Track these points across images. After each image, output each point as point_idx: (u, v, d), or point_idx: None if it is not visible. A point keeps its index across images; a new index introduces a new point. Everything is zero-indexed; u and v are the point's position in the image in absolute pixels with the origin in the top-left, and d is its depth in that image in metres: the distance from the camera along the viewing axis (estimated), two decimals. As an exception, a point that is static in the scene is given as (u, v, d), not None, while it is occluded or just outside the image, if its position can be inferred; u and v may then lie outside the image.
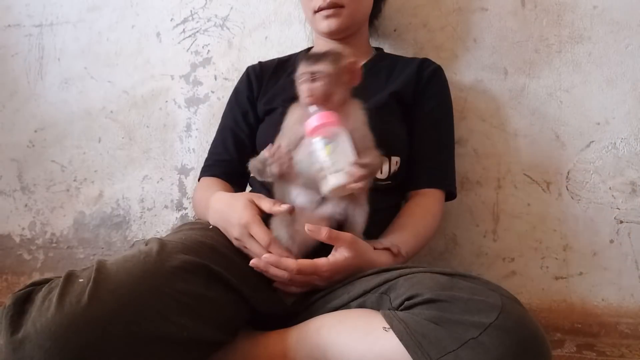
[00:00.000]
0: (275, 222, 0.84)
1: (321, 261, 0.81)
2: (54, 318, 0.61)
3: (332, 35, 1.11)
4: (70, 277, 0.67)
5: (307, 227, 0.80)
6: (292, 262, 0.80)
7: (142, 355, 0.66)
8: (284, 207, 0.83)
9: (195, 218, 1.29)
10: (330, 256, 0.82)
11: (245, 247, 0.86)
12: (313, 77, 0.83)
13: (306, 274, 0.81)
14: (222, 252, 0.83)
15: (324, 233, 0.80)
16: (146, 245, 0.78)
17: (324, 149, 0.80)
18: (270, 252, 0.82)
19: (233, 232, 0.86)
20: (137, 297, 0.67)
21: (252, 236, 0.84)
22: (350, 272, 0.83)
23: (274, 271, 0.81)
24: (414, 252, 0.98)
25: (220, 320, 0.77)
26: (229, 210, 0.88)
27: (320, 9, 1.06)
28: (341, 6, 1.05)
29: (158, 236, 0.90)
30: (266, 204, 0.85)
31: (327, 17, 1.06)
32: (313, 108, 0.83)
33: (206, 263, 0.77)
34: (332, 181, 0.79)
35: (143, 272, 0.70)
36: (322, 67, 0.83)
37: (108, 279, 0.67)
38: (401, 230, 0.97)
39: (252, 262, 0.81)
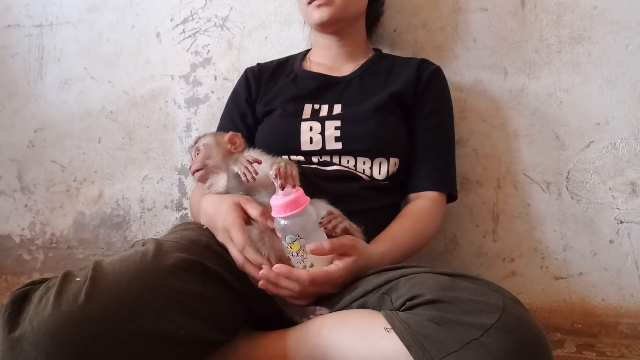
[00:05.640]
0: (253, 230, 0.81)
1: (332, 268, 0.79)
2: (50, 316, 0.61)
3: (324, 26, 1.10)
4: (67, 277, 0.67)
5: (309, 247, 0.77)
6: (304, 273, 0.76)
7: (140, 353, 0.66)
8: (270, 223, 0.79)
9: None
10: (338, 262, 0.80)
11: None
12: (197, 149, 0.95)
13: (318, 285, 0.78)
14: (216, 251, 0.83)
15: (327, 247, 0.77)
16: (143, 245, 0.78)
17: (291, 244, 0.77)
18: (271, 265, 0.79)
19: (218, 237, 0.86)
20: (134, 296, 0.67)
21: (232, 240, 0.82)
22: (358, 272, 0.82)
23: (284, 283, 0.77)
24: (411, 252, 0.97)
25: (218, 318, 0.77)
26: (215, 214, 0.86)
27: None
28: None
29: (158, 236, 0.89)
30: (253, 211, 0.82)
31: (319, 6, 1.06)
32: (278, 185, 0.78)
33: (202, 261, 0.78)
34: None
35: (139, 271, 0.70)
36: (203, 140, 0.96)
37: (105, 278, 0.67)
38: (397, 228, 0.97)
39: (261, 273, 0.77)
